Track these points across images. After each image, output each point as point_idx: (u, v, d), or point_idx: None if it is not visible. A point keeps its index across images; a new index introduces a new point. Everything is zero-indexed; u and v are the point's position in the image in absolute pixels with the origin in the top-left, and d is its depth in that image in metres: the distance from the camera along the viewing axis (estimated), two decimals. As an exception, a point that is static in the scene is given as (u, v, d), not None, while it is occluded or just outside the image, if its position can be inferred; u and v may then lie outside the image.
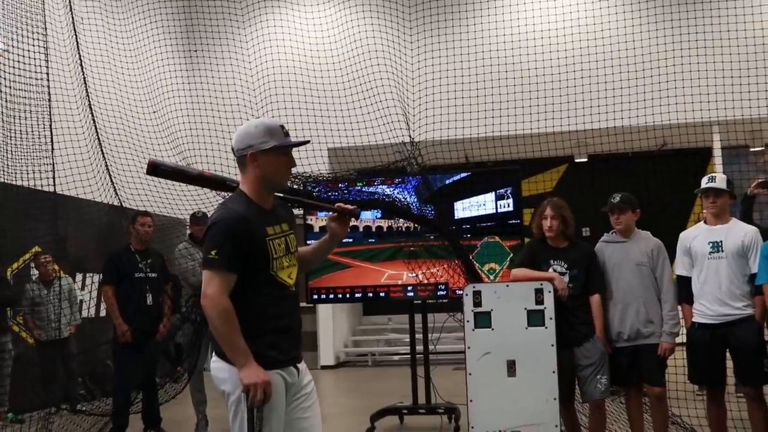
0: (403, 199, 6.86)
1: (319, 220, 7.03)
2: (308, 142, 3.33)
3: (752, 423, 5.02)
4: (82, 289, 9.72)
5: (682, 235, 5.30)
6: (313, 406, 3.27)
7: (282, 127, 3.18)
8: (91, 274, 9.78)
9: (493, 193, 6.79)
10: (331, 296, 7.26)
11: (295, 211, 3.54)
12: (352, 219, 3.45)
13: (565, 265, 5.20)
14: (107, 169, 7.17)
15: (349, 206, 3.38)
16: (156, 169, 3.34)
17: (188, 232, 7.88)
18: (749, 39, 8.59)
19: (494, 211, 6.77)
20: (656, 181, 11.06)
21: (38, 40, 5.97)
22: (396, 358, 13.36)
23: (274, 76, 9.42)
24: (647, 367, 5.13)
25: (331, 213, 3.41)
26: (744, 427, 5.24)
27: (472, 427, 4.97)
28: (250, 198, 3.17)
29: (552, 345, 4.92)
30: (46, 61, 5.82)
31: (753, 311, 4.93)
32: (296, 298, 3.29)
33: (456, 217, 6.86)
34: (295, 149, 3.25)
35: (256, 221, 3.10)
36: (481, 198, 6.81)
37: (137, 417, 7.21)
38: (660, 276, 5.16)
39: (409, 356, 7.37)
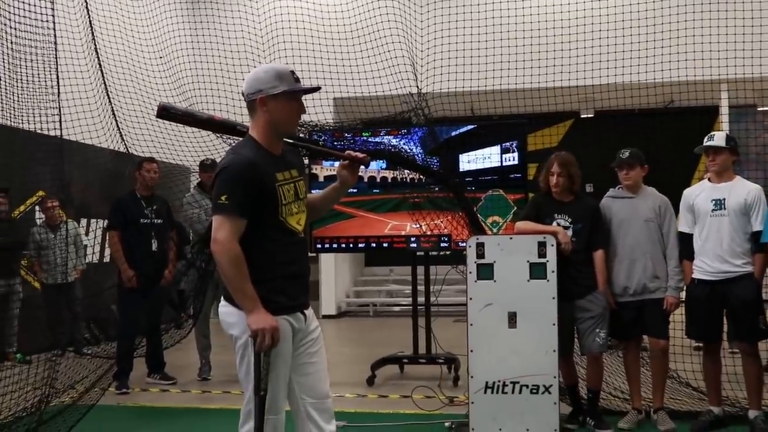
0: (408, 150, 6.86)
1: (323, 170, 7.04)
2: (319, 89, 3.31)
3: (746, 378, 5.10)
4: (87, 234, 9.78)
5: (686, 192, 5.32)
6: (319, 351, 3.33)
7: (292, 72, 3.17)
8: (96, 220, 9.84)
9: (499, 146, 6.79)
10: (335, 246, 7.31)
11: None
12: (361, 167, 3.46)
13: (569, 220, 5.23)
14: (113, 114, 7.15)
15: (359, 154, 3.39)
16: (166, 113, 3.35)
17: (197, 180, 7.92)
18: (761, -4, 8.48)
19: (499, 164, 6.78)
20: (662, 138, 11.01)
21: (43, -18, 5.89)
22: (397, 309, 13.50)
23: (280, 23, 9.32)
24: (652, 321, 5.22)
25: (341, 161, 3.42)
26: (738, 381, 5.32)
27: (472, 377, 5.05)
28: (259, 143, 3.17)
29: (553, 298, 4.96)
30: (52, 3, 5.75)
31: (752, 269, 4.97)
32: (304, 244, 3.32)
33: (461, 170, 6.87)
34: (301, 97, 3.25)
35: (266, 166, 3.11)
36: (486, 151, 6.82)
37: (141, 361, 7.33)
38: (667, 232, 5.23)
39: (409, 307, 7.45)
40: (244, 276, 3.01)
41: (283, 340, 3.10)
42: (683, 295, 5.30)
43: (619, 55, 8.52)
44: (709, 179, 5.23)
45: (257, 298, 3.02)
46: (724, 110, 11.16)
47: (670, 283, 5.17)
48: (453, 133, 7.00)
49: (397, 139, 6.94)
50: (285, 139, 3.31)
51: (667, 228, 5.24)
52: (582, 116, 13.36)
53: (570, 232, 5.18)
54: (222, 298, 3.22)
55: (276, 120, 3.16)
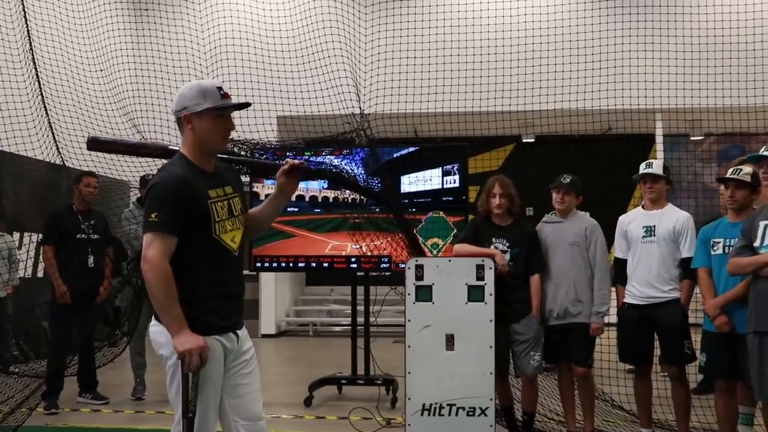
0: (350, 171, 6.86)
1: (265, 188, 7.00)
2: (248, 105, 3.26)
3: (674, 401, 5.23)
4: (20, 248, 9.50)
5: (621, 218, 5.45)
6: (252, 372, 3.28)
7: (219, 88, 3.12)
8: (29, 233, 9.56)
9: (440, 168, 6.84)
10: (275, 264, 7.24)
11: (242, 178, 3.51)
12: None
13: (507, 244, 5.29)
14: (50, 126, 6.99)
15: (296, 161, 3.35)
16: (96, 144, 3.36)
17: (136, 195, 7.78)
18: (693, 30, 8.80)
19: (440, 186, 6.83)
20: (600, 164, 11.26)
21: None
22: (337, 329, 13.43)
23: (224, 39, 9.28)
24: (574, 347, 5.27)
25: (281, 169, 3.36)
26: (668, 404, 5.44)
27: (409, 399, 5.05)
28: (189, 160, 3.13)
29: (490, 320, 5.02)
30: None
31: (679, 294, 5.10)
32: (239, 263, 3.26)
33: (402, 191, 6.89)
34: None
35: (197, 183, 3.08)
36: (427, 173, 6.86)
37: (73, 380, 7.12)
38: (593, 256, 5.30)
39: (350, 327, 7.43)
40: (171, 296, 2.96)
41: (214, 361, 3.05)
42: (612, 319, 5.41)
43: (560, 82, 8.72)
44: (643, 206, 5.37)
45: (183, 319, 2.96)
46: (659, 139, 11.50)
47: (594, 308, 5.23)
48: (395, 155, 7.03)
49: (339, 159, 6.95)
50: (221, 156, 3.28)
51: (593, 252, 5.29)
52: (524, 141, 13.59)
53: (507, 257, 5.24)
54: (153, 317, 3.16)
55: (202, 137, 3.12)
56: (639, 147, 11.20)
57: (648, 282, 5.11)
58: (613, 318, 5.46)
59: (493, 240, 5.31)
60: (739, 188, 4.75)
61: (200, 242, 3.07)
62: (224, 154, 3.31)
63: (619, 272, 5.34)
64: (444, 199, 6.81)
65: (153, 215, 2.98)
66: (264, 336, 12.59)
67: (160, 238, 2.97)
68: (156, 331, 3.12)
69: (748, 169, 4.77)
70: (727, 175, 4.83)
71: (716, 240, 4.79)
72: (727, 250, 4.68)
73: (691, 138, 12.74)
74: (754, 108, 8.29)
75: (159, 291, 2.96)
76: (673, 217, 5.18)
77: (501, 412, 5.41)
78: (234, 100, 3.22)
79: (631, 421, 5.74)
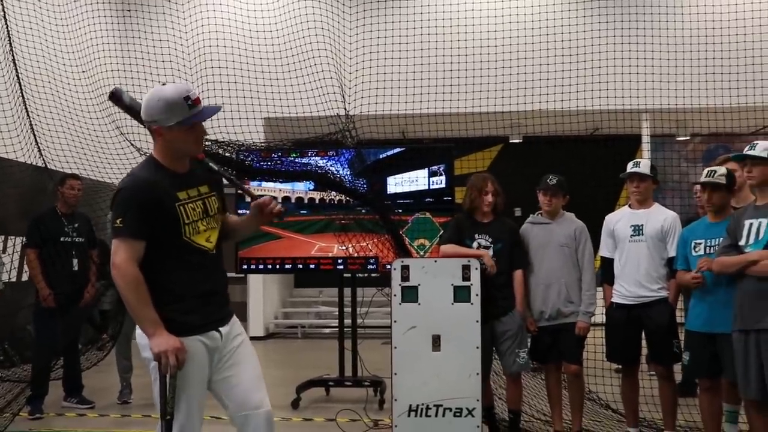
0: (335, 172, 6.83)
1: (251, 189, 6.94)
2: (219, 109, 3.22)
3: (662, 400, 5.23)
4: (4, 251, 9.41)
5: (607, 218, 5.45)
6: (242, 361, 3.23)
7: (187, 98, 3.03)
8: (13, 237, 9.47)
9: (427, 169, 6.83)
10: (261, 267, 7.20)
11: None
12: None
13: (489, 239, 5.30)
14: (32, 128, 6.92)
15: (275, 207, 3.30)
16: (114, 98, 3.48)
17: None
18: (679, 31, 8.84)
19: (427, 187, 6.82)
20: (588, 164, 11.29)
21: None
22: (326, 330, 13.39)
23: (209, 41, 9.23)
24: (566, 345, 5.29)
25: (257, 201, 3.34)
26: (654, 403, 5.44)
27: (396, 400, 5.03)
28: (160, 163, 3.11)
29: (477, 321, 4.99)
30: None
31: (667, 294, 5.11)
32: (217, 260, 3.24)
33: (388, 192, 6.87)
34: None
35: (165, 187, 3.05)
36: (413, 174, 6.85)
37: (58, 384, 7.07)
38: (581, 257, 5.32)
39: (338, 329, 7.41)
40: (143, 299, 2.95)
41: (194, 363, 3.03)
42: (599, 318, 5.41)
43: (547, 83, 8.73)
44: (630, 205, 5.37)
45: (158, 321, 2.96)
46: (646, 139, 11.53)
47: (581, 308, 5.27)
48: (381, 156, 7.01)
49: (325, 161, 6.91)
50: (212, 165, 3.26)
51: (582, 253, 5.33)
52: (511, 141, 13.61)
53: (490, 252, 5.24)
54: (138, 320, 3.13)
55: (175, 146, 3.11)
56: (626, 147, 11.23)
57: (637, 281, 5.12)
58: (600, 317, 5.46)
59: (476, 236, 5.32)
60: (716, 191, 4.74)
61: (172, 245, 3.06)
62: (213, 160, 3.28)
63: (606, 271, 5.34)
64: (430, 200, 6.79)
65: (118, 221, 2.98)
66: (252, 338, 12.45)
67: (126, 243, 2.97)
68: (141, 333, 3.09)
69: (722, 170, 4.76)
70: (702, 179, 4.82)
71: (698, 241, 4.79)
72: (708, 251, 4.67)
73: (678, 138, 12.80)
74: (738, 108, 8.33)
75: (129, 295, 2.95)
76: (660, 217, 5.19)
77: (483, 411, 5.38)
78: (212, 102, 3.20)
79: (618, 421, 5.74)
